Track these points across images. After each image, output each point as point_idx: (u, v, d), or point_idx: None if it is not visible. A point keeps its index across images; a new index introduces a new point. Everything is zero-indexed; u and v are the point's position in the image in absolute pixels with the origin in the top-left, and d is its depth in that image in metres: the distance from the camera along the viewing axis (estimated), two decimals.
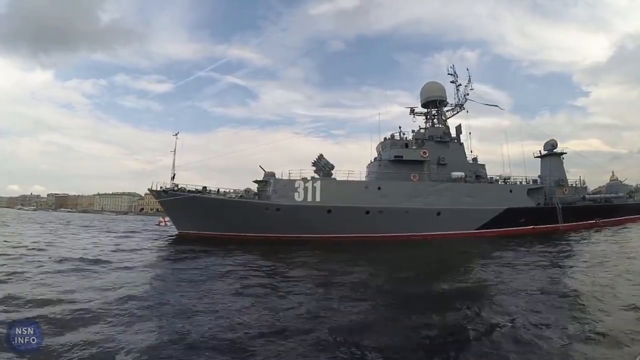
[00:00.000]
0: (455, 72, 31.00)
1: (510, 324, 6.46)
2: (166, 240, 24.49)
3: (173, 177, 27.43)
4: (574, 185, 31.55)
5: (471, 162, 28.83)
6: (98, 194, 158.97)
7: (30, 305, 7.36)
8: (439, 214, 24.87)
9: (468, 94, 30.35)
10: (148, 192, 29.85)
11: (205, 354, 5.25)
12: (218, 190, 27.89)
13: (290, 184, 24.85)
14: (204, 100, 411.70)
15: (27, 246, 17.31)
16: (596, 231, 25.19)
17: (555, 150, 32.25)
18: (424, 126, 30.31)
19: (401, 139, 28.12)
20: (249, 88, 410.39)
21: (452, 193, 25.58)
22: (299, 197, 24.64)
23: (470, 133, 29.96)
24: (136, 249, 18.45)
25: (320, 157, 26.95)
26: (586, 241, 20.55)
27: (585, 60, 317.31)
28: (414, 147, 27.07)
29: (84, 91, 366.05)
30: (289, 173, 26.01)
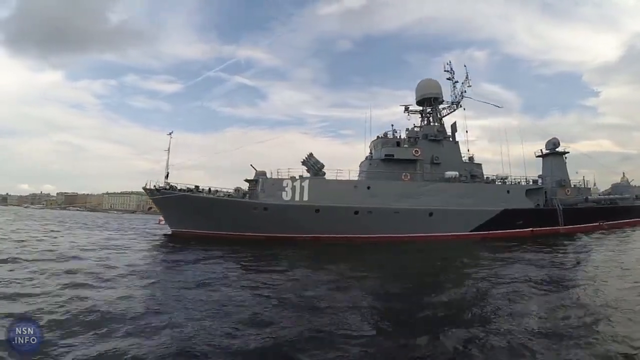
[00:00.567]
0: (451, 68, 29.96)
1: None
2: (146, 239, 24.10)
3: (167, 176, 27.56)
4: (577, 185, 30.17)
5: (467, 161, 27.79)
6: (107, 193, 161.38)
7: None
8: (431, 214, 23.94)
9: (465, 91, 29.34)
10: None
11: None
12: (209, 189, 27.66)
13: (278, 183, 24.37)
14: (213, 100, 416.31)
15: None
16: (600, 234, 23.92)
17: (557, 149, 30.87)
18: (419, 124, 29.44)
19: (394, 137, 27.28)
20: (258, 88, 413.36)
21: (445, 193, 24.60)
22: (286, 196, 24.12)
23: (467, 132, 28.96)
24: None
25: (310, 155, 26.31)
26: (585, 245, 19.32)
27: (595, 59, 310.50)
28: (405, 145, 26.18)
29: (94, 91, 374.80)
30: (278, 172, 25.59)
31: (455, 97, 29.54)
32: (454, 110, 29.57)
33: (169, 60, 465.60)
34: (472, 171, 26.74)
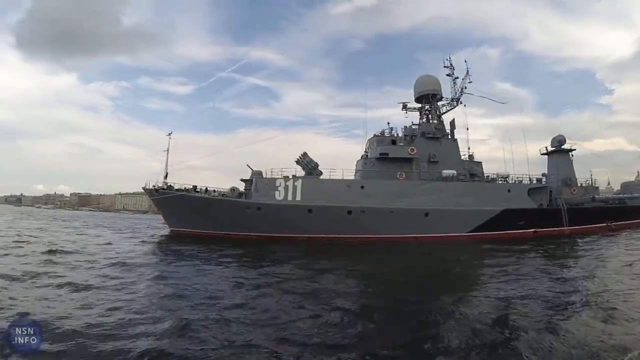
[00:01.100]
0: (451, 64, 29.03)
1: None
2: (139, 239, 24.02)
3: (165, 176, 28.00)
4: (584, 184, 28.81)
5: (467, 159, 26.86)
6: (120, 194, 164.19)
7: None
8: (427, 214, 23.18)
9: (466, 87, 28.38)
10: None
11: None
12: (206, 189, 27.73)
13: (271, 183, 24.13)
14: (225, 101, 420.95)
15: None
16: (607, 235, 22.67)
17: (563, 147, 29.52)
18: (418, 122, 28.64)
19: (390, 135, 26.58)
20: (270, 88, 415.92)
21: (442, 193, 23.78)
22: (279, 196, 23.86)
23: (467, 129, 28.01)
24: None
25: (304, 155, 25.93)
26: (589, 248, 18.04)
27: (609, 56, 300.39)
28: (401, 144, 25.45)
29: (107, 93, 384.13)
30: (271, 171, 25.32)
31: (456, 93, 28.66)
32: (454, 107, 28.64)
33: (182, 62, 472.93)
34: (471, 170, 25.74)
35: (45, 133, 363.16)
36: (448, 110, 28.83)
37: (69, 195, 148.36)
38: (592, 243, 19.70)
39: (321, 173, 25.82)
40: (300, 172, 25.21)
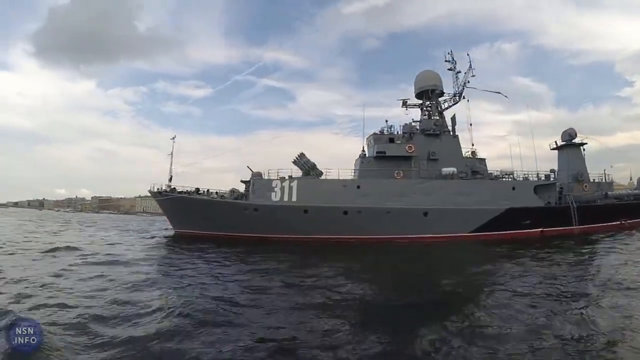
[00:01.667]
0: (453, 58, 28.06)
1: None
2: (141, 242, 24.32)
3: (170, 179, 28.59)
4: (596, 180, 27.15)
5: (469, 156, 25.87)
6: (139, 197, 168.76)
7: None
8: (425, 214, 22.44)
9: (469, 82, 27.38)
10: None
11: None
12: (208, 190, 28.04)
13: (267, 184, 24.10)
14: (243, 103, 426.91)
15: None
16: (621, 235, 21.18)
17: (574, 141, 27.88)
18: (419, 119, 27.86)
19: (389, 133, 25.92)
20: (286, 90, 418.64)
21: (443, 191, 22.96)
22: (275, 197, 23.77)
23: (471, 125, 27.03)
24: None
25: (301, 155, 25.71)
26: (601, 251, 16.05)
27: (628, 48, 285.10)
28: (398, 141, 24.76)
29: (126, 98, 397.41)
30: (268, 172, 25.23)
31: (458, 88, 27.70)
32: (456, 102, 27.68)
33: (198, 66, 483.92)
34: (473, 167, 24.73)
35: (66, 138, 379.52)
36: (450, 106, 27.93)
37: (89, 199, 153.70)
38: (604, 244, 17.98)
39: (321, 173, 25.52)
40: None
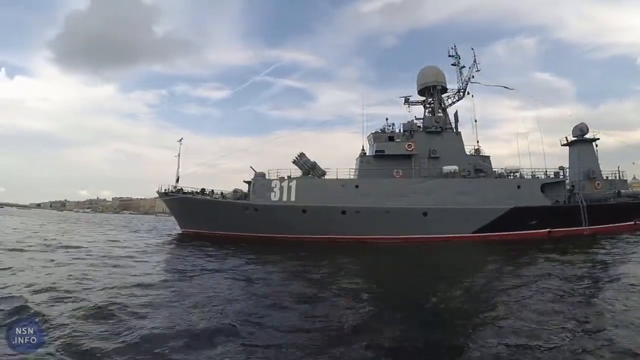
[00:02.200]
0: (456, 53, 27.28)
1: None
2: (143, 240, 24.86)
3: (177, 180, 29.38)
4: (610, 178, 25.67)
5: (473, 154, 25.10)
6: (158, 197, 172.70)
7: None
8: (425, 214, 21.92)
9: (473, 77, 26.58)
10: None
11: None
12: (212, 191, 28.46)
13: (267, 184, 24.21)
14: (261, 103, 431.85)
15: None
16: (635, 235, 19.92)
17: (585, 136, 26.49)
18: (423, 116, 27.26)
19: (390, 131, 25.49)
20: (304, 89, 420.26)
21: (443, 190, 22.32)
22: (274, 197, 23.85)
23: (475, 121, 26.17)
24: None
25: (301, 155, 25.69)
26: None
27: None
28: (398, 140, 24.30)
29: (146, 101, 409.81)
30: (268, 172, 25.34)
31: (462, 83, 26.93)
32: (460, 98, 26.91)
33: (216, 68, 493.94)
34: (476, 165, 23.93)
35: (87, 141, 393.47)
36: (454, 102, 27.19)
37: (110, 200, 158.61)
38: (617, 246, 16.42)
39: (324, 173, 25.35)
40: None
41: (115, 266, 11.83)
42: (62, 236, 23.62)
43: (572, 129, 26.97)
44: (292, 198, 23.43)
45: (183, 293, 8.40)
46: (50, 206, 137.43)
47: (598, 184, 24.69)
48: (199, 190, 28.05)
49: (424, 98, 27.67)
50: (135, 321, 6.11)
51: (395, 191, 22.55)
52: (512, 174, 24.27)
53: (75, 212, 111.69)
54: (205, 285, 9.46)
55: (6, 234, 23.19)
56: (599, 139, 26.27)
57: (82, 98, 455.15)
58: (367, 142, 26.67)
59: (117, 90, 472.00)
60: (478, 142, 25.91)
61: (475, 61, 26.62)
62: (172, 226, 40.84)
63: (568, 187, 24.68)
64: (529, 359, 4.72)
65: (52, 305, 6.87)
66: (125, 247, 18.43)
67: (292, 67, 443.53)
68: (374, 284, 10.75)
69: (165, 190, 28.50)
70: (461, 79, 27.03)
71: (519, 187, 22.85)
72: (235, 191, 27.78)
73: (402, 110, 27.64)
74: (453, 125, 25.74)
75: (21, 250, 15.07)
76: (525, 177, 24.24)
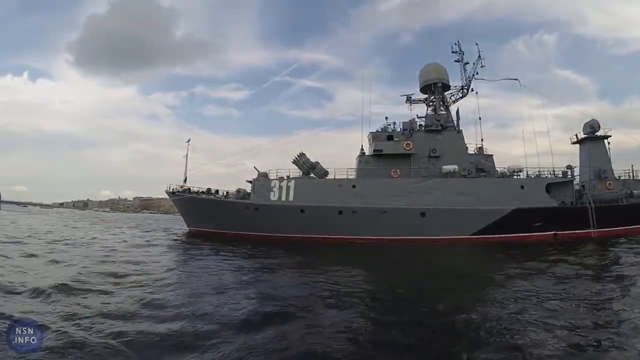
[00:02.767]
0: (460, 49, 26.59)
1: None
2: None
3: (185, 180, 30.11)
4: (622, 177, 24.31)
5: (476, 152, 24.40)
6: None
7: None
8: (423, 214, 21.52)
9: (477, 73, 25.85)
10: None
11: None
12: (217, 190, 29.04)
13: (267, 184, 24.47)
14: (281, 104, 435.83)
15: None
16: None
17: (597, 134, 25.13)
18: (425, 114, 26.76)
19: (391, 130, 25.15)
20: (323, 89, 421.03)
21: (443, 190, 21.81)
22: (274, 196, 24.10)
23: (480, 118, 25.41)
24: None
25: (301, 155, 25.73)
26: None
27: None
28: (396, 139, 23.94)
29: (166, 103, 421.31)
30: (268, 172, 25.59)
31: (466, 80, 26.26)
32: (464, 95, 26.26)
33: (236, 69, 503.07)
34: (478, 164, 23.24)
35: (109, 142, 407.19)
36: (457, 100, 26.55)
37: (131, 200, 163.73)
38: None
39: (326, 173, 25.25)
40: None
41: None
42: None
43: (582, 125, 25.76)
44: (291, 198, 23.59)
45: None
46: (73, 206, 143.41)
47: (609, 183, 23.44)
48: (204, 190, 28.81)
49: (426, 96, 27.18)
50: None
51: (392, 191, 22.26)
52: (515, 174, 23.42)
53: (95, 211, 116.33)
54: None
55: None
56: (610, 136, 24.93)
57: (103, 100, 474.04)
58: (367, 141, 26.45)
59: (138, 92, 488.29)
60: (482, 140, 25.20)
61: (480, 57, 25.91)
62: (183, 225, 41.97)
63: (578, 187, 23.60)
64: None
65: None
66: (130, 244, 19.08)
67: (311, 67, 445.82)
68: (369, 285, 10.56)
69: (172, 190, 29.15)
70: (465, 75, 26.40)
71: (522, 187, 22.04)
72: (239, 191, 28.16)
73: (419, 109, 27.25)
74: (455, 123, 25.10)
75: None
76: (531, 176, 23.38)
